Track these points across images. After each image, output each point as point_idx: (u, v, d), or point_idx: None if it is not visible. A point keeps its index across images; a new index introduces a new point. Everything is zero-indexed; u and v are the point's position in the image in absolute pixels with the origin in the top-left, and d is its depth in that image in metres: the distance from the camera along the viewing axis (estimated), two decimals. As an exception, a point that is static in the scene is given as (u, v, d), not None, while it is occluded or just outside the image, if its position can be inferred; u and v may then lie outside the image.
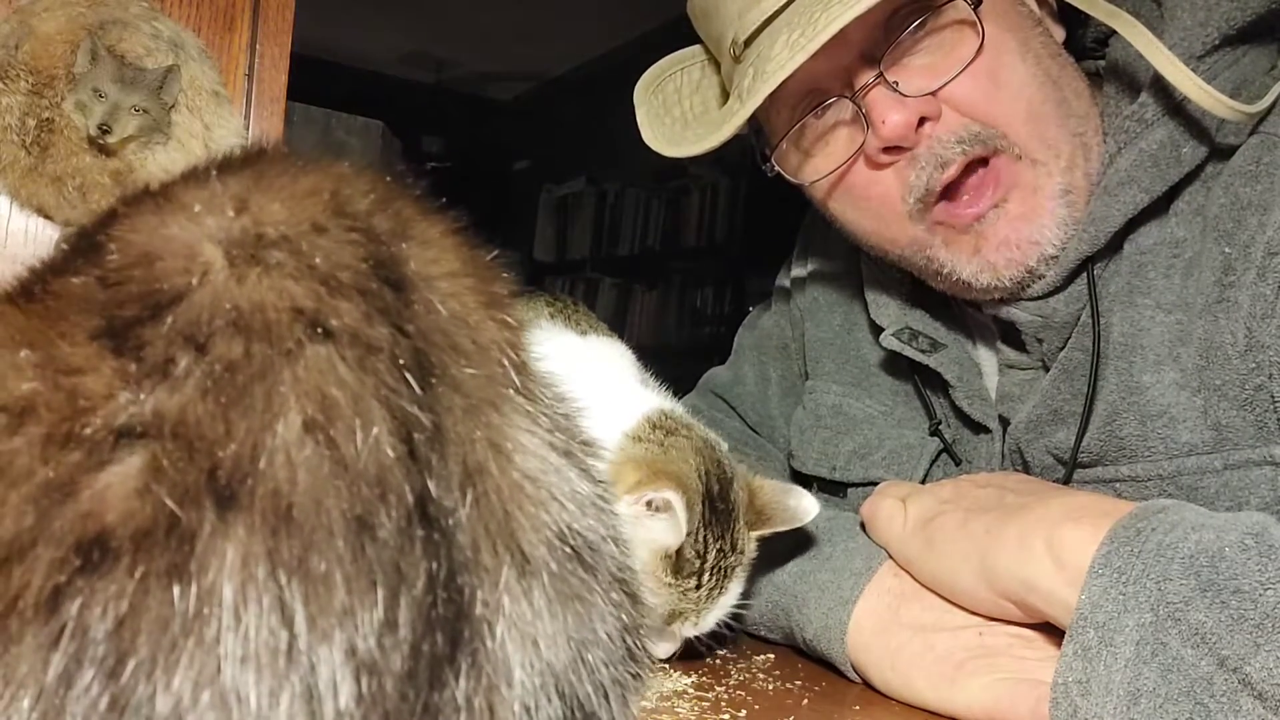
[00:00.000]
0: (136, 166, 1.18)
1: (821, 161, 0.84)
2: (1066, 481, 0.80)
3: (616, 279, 5.43)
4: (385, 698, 0.30)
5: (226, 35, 1.29)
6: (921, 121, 0.77)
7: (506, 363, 0.38)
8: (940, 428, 0.92)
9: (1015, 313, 0.82)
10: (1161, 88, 0.75)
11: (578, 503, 0.38)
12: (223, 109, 1.24)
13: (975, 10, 0.76)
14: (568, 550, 0.37)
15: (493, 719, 0.33)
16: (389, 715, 0.31)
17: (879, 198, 0.82)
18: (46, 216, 1.19)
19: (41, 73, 1.15)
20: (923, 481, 0.90)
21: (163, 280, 0.34)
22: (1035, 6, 0.84)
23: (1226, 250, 0.72)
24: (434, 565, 0.32)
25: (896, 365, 0.96)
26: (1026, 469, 0.85)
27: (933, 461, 0.92)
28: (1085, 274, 0.79)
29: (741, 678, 0.73)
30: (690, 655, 0.76)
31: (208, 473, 0.30)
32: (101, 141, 1.14)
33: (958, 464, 0.91)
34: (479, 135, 5.80)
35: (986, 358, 0.92)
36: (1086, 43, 0.87)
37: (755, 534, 0.71)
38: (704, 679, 0.71)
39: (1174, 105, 0.75)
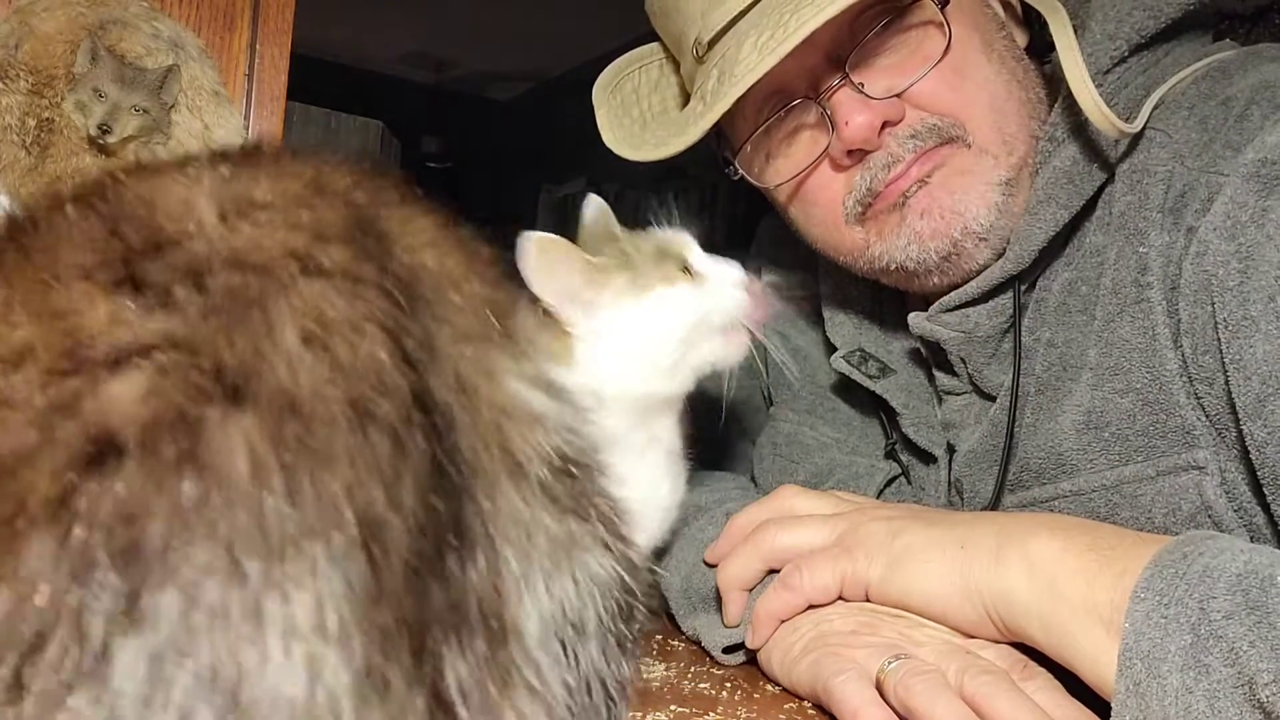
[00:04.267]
0: (136, 166, 1.18)
1: (785, 164, 0.82)
2: (997, 497, 0.80)
3: (616, 279, 5.42)
4: (394, 568, 0.32)
5: (226, 35, 1.30)
6: (884, 125, 0.76)
7: (489, 311, 0.41)
8: (896, 448, 0.91)
9: (938, 329, 0.81)
10: (1072, 101, 0.73)
11: (562, 425, 0.40)
12: (223, 109, 1.24)
13: (942, 10, 0.75)
14: (557, 466, 0.38)
15: (499, 595, 0.35)
16: (399, 586, 0.32)
17: (825, 203, 0.81)
18: (46, 216, 1.20)
19: (41, 73, 1.15)
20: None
21: (162, 223, 0.36)
22: (999, 9, 0.83)
23: (1141, 250, 0.72)
24: (435, 446, 0.34)
25: (851, 386, 0.94)
26: (962, 497, 0.84)
27: (885, 486, 0.91)
28: (1009, 290, 0.79)
29: (742, 676, 0.73)
30: (691, 656, 0.76)
31: (213, 374, 0.31)
32: (101, 141, 1.14)
33: (910, 484, 0.91)
34: (479, 135, 5.80)
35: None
36: (1049, 40, 0.87)
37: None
38: (705, 678, 0.71)
39: (1080, 122, 0.74)
